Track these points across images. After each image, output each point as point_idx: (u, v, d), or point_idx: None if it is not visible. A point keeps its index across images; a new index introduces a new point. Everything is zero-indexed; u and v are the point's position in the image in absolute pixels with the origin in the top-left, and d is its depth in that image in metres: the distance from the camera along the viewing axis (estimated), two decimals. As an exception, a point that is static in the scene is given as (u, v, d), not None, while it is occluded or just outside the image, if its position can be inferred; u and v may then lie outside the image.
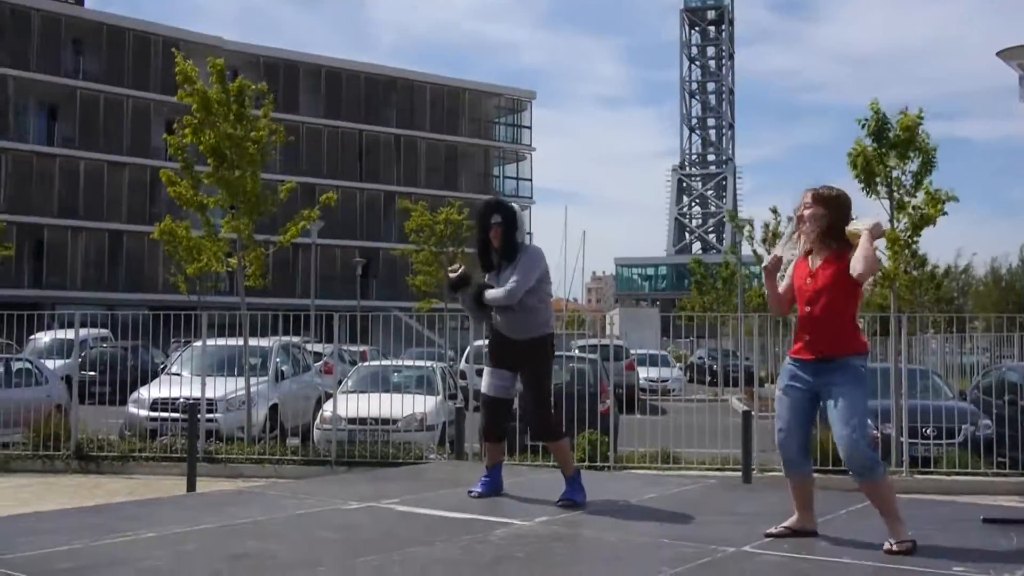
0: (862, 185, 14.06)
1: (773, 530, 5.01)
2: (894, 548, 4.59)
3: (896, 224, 13.39)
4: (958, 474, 12.20)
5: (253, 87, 14.26)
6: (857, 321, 5.01)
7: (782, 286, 5.04)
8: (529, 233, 60.57)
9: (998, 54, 11.91)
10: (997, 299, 37.52)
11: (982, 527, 5.38)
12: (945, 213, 13.33)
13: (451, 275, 6.33)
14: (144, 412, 13.90)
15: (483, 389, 6.25)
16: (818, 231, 4.86)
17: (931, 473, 12.28)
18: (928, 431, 12.77)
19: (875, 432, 11.45)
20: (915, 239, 13.65)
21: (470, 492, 6.21)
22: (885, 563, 4.47)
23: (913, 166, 13.85)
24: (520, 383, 6.15)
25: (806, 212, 4.89)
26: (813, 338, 4.85)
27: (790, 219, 5.10)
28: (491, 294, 6.04)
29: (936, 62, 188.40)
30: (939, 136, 14.26)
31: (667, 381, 25.26)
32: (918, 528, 5.04)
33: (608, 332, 29.93)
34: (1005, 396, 14.05)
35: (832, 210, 4.86)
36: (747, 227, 32.24)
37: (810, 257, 4.95)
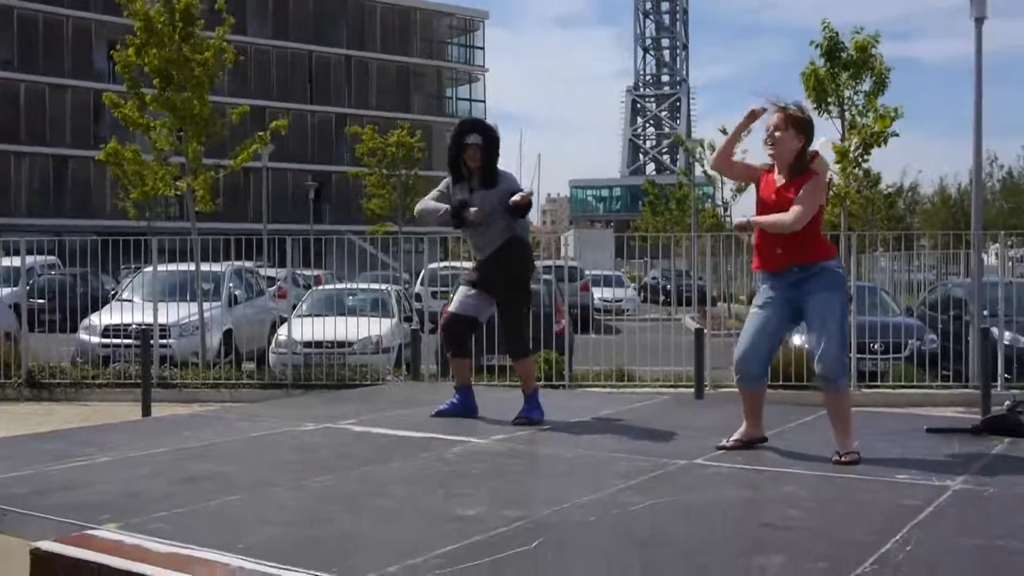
0: (814, 104, 14.11)
1: (725, 443, 5.11)
2: (842, 459, 4.70)
3: (848, 143, 13.48)
4: (904, 387, 12.51)
5: (199, 4, 13.85)
6: (819, 226, 5.01)
7: (737, 159, 5.15)
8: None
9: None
10: (945, 217, 38.07)
11: (926, 437, 5.53)
12: (896, 134, 13.44)
13: (473, 218, 5.93)
14: (96, 339, 13.76)
15: (451, 307, 6.22)
16: (789, 156, 4.81)
17: (879, 387, 12.58)
18: (876, 346, 13.04)
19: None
20: (865, 158, 13.77)
21: (433, 412, 6.21)
22: (834, 473, 4.59)
23: (866, 86, 13.93)
24: (497, 301, 6.09)
25: (777, 134, 4.81)
26: (785, 250, 4.85)
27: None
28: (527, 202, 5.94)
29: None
30: (893, 56, 14.30)
31: (621, 301, 25.50)
32: (865, 439, 5.17)
33: (563, 253, 30.00)
34: (950, 311, 14.36)
35: (804, 136, 4.82)
36: (698, 149, 32.30)
37: (775, 173, 4.92)
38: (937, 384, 12.75)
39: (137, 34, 13.43)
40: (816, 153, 4.95)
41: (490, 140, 5.97)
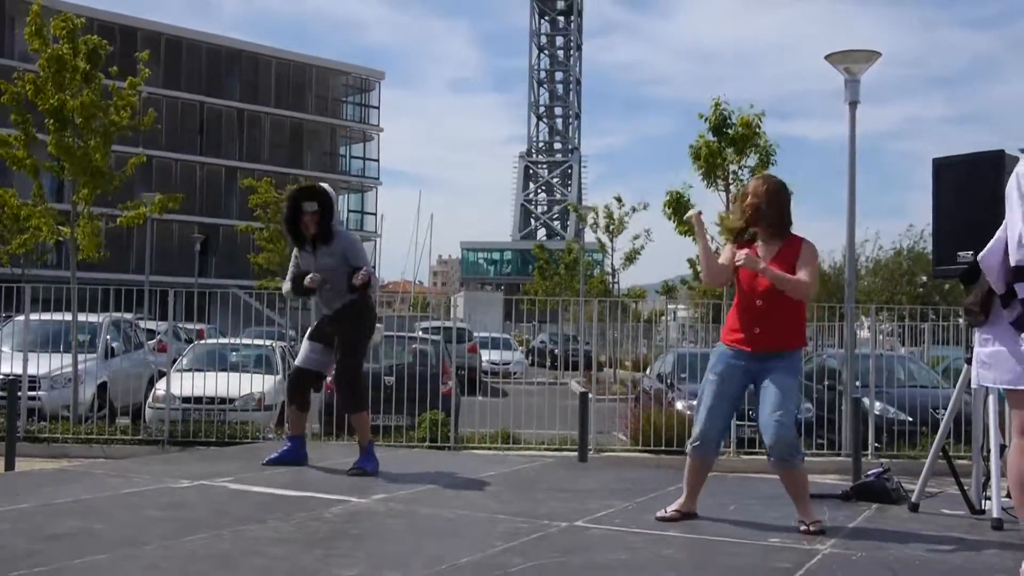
0: (702, 177, 14.59)
1: (662, 513, 5.02)
2: (810, 528, 4.71)
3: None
4: (780, 455, 12.80)
5: (108, 46, 13.54)
6: (804, 313, 4.98)
7: (720, 259, 4.97)
8: (373, 214, 60.01)
9: (826, 57, 12.54)
10: (821, 291, 39.46)
11: (799, 502, 5.67)
12: None
13: (309, 283, 6.33)
14: (-41, 389, 13.08)
15: (296, 360, 6.58)
16: (764, 224, 4.78)
17: (756, 454, 12.85)
18: (754, 414, 13.34)
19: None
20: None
21: (263, 460, 6.49)
22: (710, 536, 4.67)
23: (751, 161, 14.47)
24: (336, 356, 6.40)
25: (755, 201, 4.80)
26: (762, 331, 4.76)
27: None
28: (366, 282, 6.25)
29: (776, 62, 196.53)
30: (775, 134, 15.04)
31: (509, 364, 25.59)
32: (742, 503, 5.30)
33: (452, 315, 30.04)
34: (825, 382, 14.82)
35: (773, 204, 4.78)
36: (590, 215, 32.94)
37: (760, 246, 4.84)
38: (812, 452, 13.08)
39: (42, 70, 12.98)
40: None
41: (325, 205, 6.33)
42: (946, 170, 5.76)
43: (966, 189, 5.57)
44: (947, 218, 5.71)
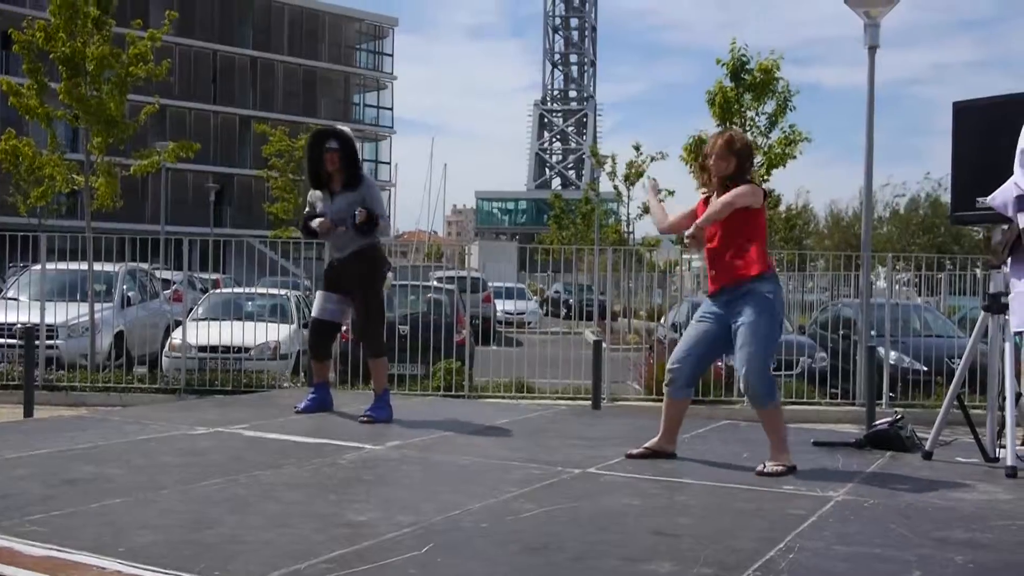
0: (718, 123, 14.44)
1: (633, 451, 5.19)
2: (764, 470, 4.82)
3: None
4: (795, 403, 12.80)
5: None
6: (760, 246, 4.99)
7: (671, 217, 5.27)
8: (387, 163, 59.86)
9: (846, 1, 12.33)
10: (838, 240, 39.20)
11: (813, 449, 5.69)
12: (801, 153, 13.89)
13: (317, 227, 6.31)
14: (-24, 338, 13.19)
15: (313, 312, 6.58)
16: (721, 176, 4.95)
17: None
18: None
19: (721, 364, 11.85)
20: (766, 178, 14.13)
21: (296, 408, 6.56)
22: (724, 483, 4.68)
23: (768, 108, 14.32)
24: (353, 303, 6.38)
25: (712, 156, 4.98)
26: (717, 271, 4.98)
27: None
28: (364, 219, 6.17)
29: (794, 6, 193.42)
30: (792, 80, 14.92)
31: (523, 314, 25.64)
32: (755, 450, 5.29)
33: (467, 264, 30.00)
34: (840, 331, 14.79)
35: (736, 156, 4.96)
36: (608, 162, 32.71)
37: (712, 198, 5.04)
38: (826, 401, 13.10)
39: (54, 16, 12.90)
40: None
41: (347, 145, 6.26)
42: (967, 114, 5.65)
43: (988, 134, 5.47)
44: (967, 163, 5.61)
